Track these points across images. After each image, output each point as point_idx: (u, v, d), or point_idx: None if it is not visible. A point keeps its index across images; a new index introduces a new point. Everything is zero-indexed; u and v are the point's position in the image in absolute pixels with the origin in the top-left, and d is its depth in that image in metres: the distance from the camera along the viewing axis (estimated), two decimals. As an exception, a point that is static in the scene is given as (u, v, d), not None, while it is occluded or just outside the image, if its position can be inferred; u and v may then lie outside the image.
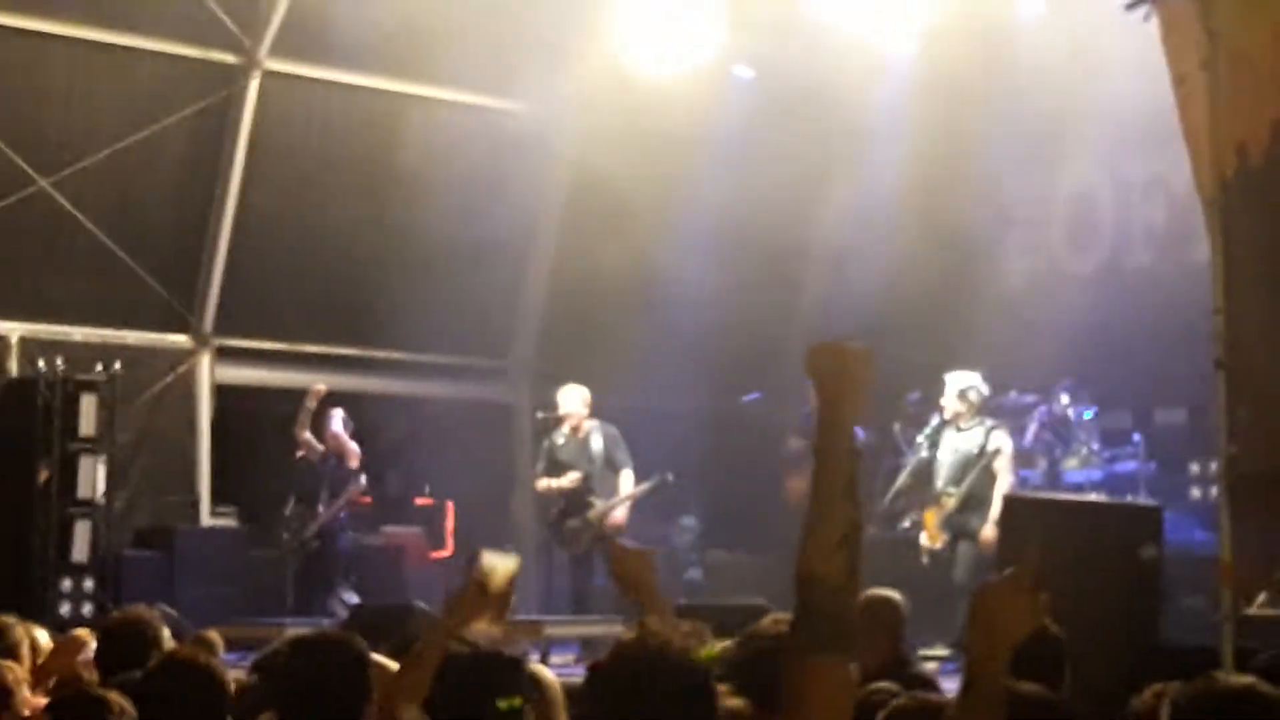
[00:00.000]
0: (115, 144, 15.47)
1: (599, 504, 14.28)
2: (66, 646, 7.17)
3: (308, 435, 15.12)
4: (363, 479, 15.16)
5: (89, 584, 14.23)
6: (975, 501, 12.94)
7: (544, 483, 14.53)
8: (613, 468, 14.36)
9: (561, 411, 14.46)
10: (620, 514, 14.28)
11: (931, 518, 13.15)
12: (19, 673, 6.35)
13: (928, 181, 16.36)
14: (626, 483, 14.31)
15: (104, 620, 6.89)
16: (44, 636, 7.63)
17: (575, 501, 14.35)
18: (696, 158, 16.76)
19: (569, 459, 14.41)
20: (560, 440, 14.49)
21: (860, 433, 13.92)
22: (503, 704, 3.52)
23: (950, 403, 13.37)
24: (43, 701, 6.26)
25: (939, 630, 12.16)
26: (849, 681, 3.41)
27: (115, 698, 5.00)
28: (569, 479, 14.34)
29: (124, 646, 6.32)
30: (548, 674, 5.64)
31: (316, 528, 15.11)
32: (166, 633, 6.53)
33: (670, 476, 14.30)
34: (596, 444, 14.38)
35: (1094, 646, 6.58)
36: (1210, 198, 8.30)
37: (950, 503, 13.04)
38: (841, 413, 3.52)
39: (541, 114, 17.10)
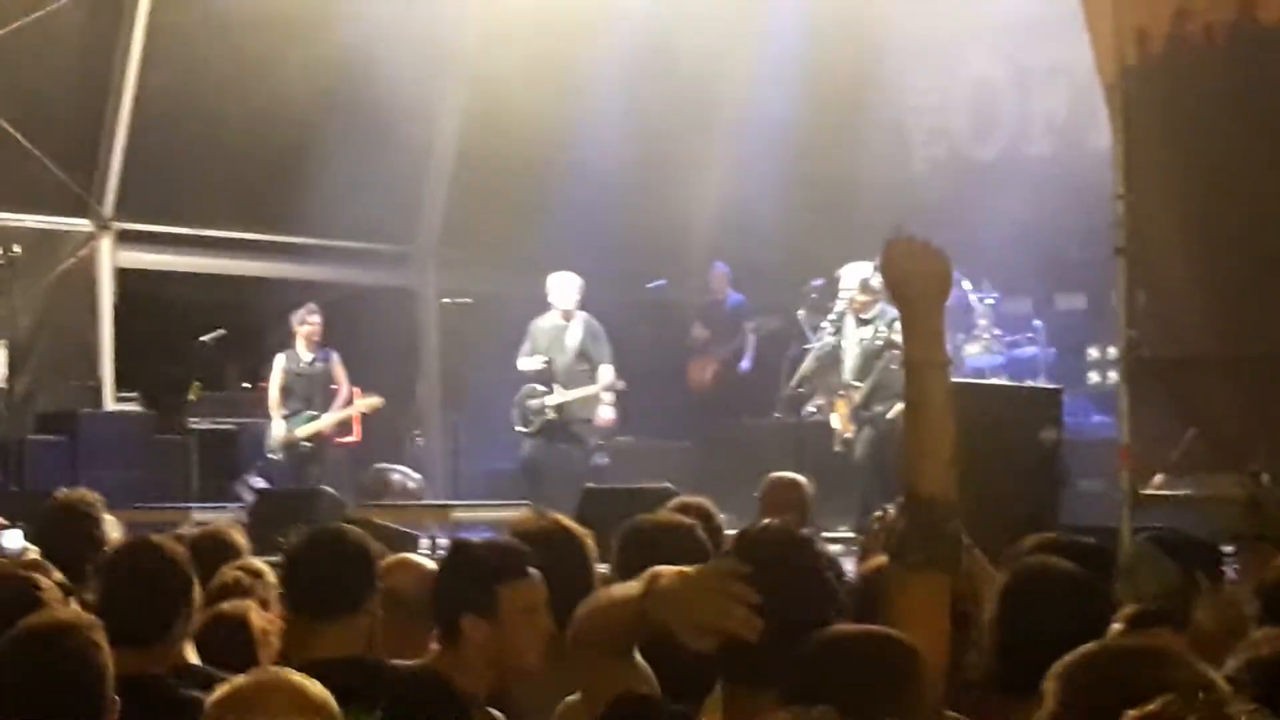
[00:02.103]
0: (10, 24, 15.20)
1: (558, 392, 14.46)
2: None
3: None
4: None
5: (-9, 468, 14.15)
6: (883, 392, 13.01)
7: (521, 362, 14.77)
8: (588, 360, 14.50)
9: (551, 299, 14.70)
10: (607, 413, 14.42)
11: (843, 408, 13.25)
12: None
13: (831, 66, 16.38)
14: (605, 376, 14.48)
15: (46, 503, 6.75)
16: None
17: (539, 385, 14.61)
18: (600, 40, 16.67)
19: (545, 344, 14.68)
20: (544, 324, 14.70)
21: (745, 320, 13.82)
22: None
23: (851, 293, 13.37)
24: None
25: (844, 512, 12.34)
26: (948, 596, 3.43)
27: (44, 578, 4.94)
28: (534, 361, 14.61)
29: (67, 530, 6.29)
30: None
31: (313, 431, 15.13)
32: (108, 517, 6.48)
33: (622, 384, 14.59)
34: (575, 335, 14.55)
35: (994, 529, 6.69)
36: (1111, 83, 8.39)
37: (858, 395, 13.13)
38: (932, 319, 3.44)
39: (446, -5, 16.97)
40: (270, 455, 15.24)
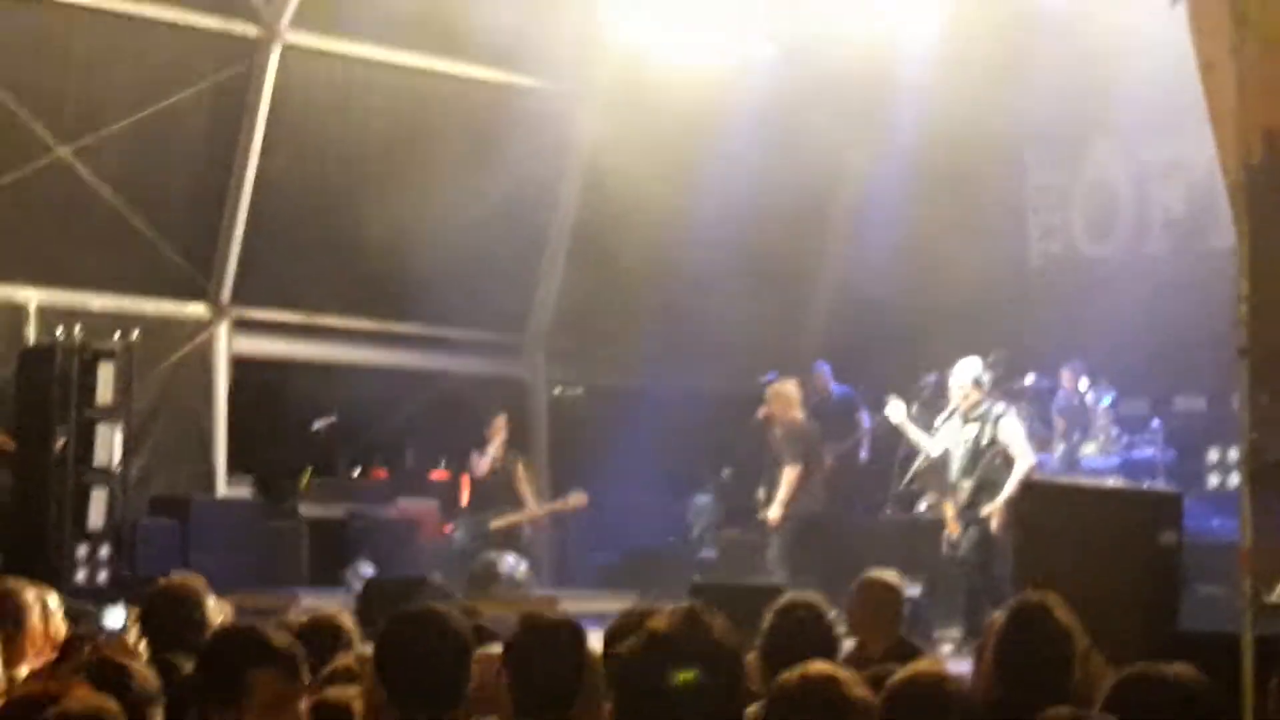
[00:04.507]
0: (135, 114, 15.45)
1: (762, 492, 14.52)
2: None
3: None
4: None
5: (104, 551, 14.23)
6: (988, 491, 12.80)
7: None
8: (779, 463, 14.46)
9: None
10: (774, 511, 14.28)
11: (949, 509, 13.07)
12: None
13: (947, 164, 16.33)
14: (789, 476, 14.32)
15: (150, 588, 6.79)
16: (54, 601, 7.62)
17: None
18: (717, 135, 16.72)
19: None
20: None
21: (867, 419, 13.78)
22: (679, 676, 3.58)
23: (960, 391, 13.17)
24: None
25: (954, 613, 12.17)
26: None
27: (139, 666, 4.95)
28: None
29: (171, 613, 6.30)
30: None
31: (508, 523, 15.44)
32: (211, 601, 6.49)
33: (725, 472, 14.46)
34: (776, 435, 14.46)
35: (1113, 633, 6.54)
36: (1235, 182, 8.27)
37: (964, 495, 12.94)
38: None
39: (563, 91, 17.08)
40: (457, 548, 15.49)
